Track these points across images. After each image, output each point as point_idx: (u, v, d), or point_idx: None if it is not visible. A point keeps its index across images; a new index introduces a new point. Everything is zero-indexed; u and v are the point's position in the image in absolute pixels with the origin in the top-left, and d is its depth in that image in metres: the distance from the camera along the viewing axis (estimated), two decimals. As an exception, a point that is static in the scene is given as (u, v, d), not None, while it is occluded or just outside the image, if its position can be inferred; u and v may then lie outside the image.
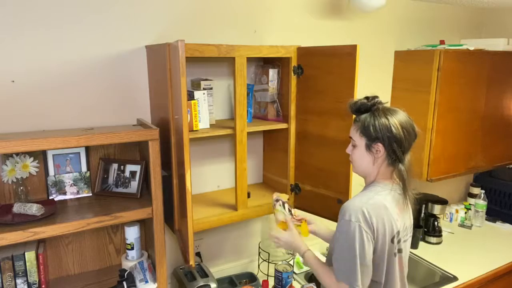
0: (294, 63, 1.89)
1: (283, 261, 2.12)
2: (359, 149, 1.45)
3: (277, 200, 1.71)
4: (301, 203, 2.00)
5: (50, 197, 1.64)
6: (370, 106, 1.41)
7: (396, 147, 1.38)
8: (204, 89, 1.80)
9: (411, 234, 1.53)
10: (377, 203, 1.38)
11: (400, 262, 1.46)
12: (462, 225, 2.94)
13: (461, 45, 2.48)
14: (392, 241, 1.40)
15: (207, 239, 2.16)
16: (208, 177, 2.10)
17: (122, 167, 1.72)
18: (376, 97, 1.43)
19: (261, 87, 2.00)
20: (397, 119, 1.38)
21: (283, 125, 1.94)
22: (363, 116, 1.43)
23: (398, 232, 1.42)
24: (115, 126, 1.78)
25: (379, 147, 1.40)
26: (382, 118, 1.38)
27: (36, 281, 1.54)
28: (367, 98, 1.43)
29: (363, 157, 1.45)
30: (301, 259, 1.69)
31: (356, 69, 1.64)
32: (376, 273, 1.40)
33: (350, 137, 1.49)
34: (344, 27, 2.37)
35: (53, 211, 1.48)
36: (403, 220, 1.45)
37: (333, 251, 1.42)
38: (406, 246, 1.49)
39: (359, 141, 1.44)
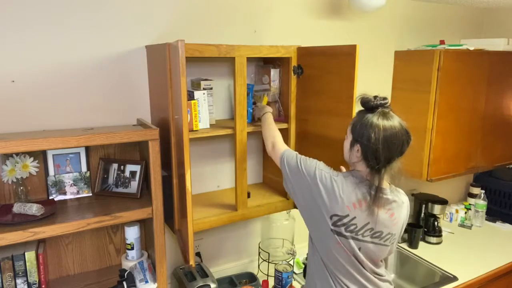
0: (294, 63, 1.89)
1: (283, 261, 2.12)
2: (347, 141, 1.49)
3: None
4: (301, 203, 2.00)
5: (50, 197, 1.64)
6: (371, 107, 1.41)
7: (370, 156, 1.38)
8: (204, 89, 1.80)
9: (392, 241, 1.47)
10: (346, 181, 1.41)
11: (340, 246, 1.41)
12: (462, 225, 2.94)
13: (461, 45, 2.48)
14: (331, 217, 1.40)
15: (207, 239, 2.16)
16: (208, 177, 2.10)
17: (122, 167, 1.72)
18: (384, 99, 1.42)
19: (262, 87, 2.00)
20: (383, 129, 1.35)
21: (283, 125, 1.94)
22: (362, 114, 1.44)
23: (343, 218, 1.38)
24: (115, 126, 1.78)
25: (358, 148, 1.41)
26: (370, 121, 1.37)
27: (36, 281, 1.54)
28: (375, 96, 1.43)
29: (346, 149, 1.49)
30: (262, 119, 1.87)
31: (356, 69, 1.64)
32: (312, 231, 1.51)
33: None
34: (344, 27, 2.37)
35: (53, 211, 1.48)
36: (364, 216, 1.39)
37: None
38: (365, 245, 1.42)
39: (348, 134, 1.49)
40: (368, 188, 1.40)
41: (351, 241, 1.41)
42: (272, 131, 1.74)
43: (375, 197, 1.39)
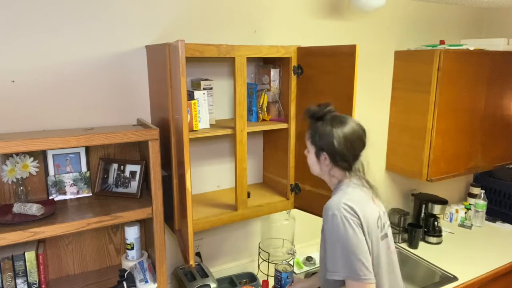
0: (294, 63, 1.89)
1: (283, 261, 2.12)
2: (311, 155, 1.52)
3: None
4: (301, 203, 2.00)
5: (50, 197, 1.64)
6: (321, 115, 1.47)
7: (338, 159, 1.43)
8: (204, 89, 1.80)
9: (388, 221, 1.57)
10: (353, 194, 1.43)
11: (388, 247, 1.49)
12: (462, 225, 2.94)
13: (461, 45, 2.48)
14: (377, 225, 1.43)
15: (207, 239, 2.16)
16: (208, 177, 2.10)
17: (122, 167, 1.72)
18: (328, 105, 1.48)
19: (262, 87, 2.01)
20: (341, 131, 1.42)
21: (283, 125, 1.94)
22: (315, 124, 1.48)
23: (379, 217, 1.46)
24: (115, 126, 1.78)
25: (325, 156, 1.46)
26: (327, 128, 1.43)
27: (36, 281, 1.54)
28: (319, 105, 1.48)
29: (315, 163, 1.52)
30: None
31: (355, 69, 1.65)
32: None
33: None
34: (344, 27, 2.37)
35: (53, 211, 1.48)
36: (378, 207, 1.49)
37: (325, 253, 1.40)
38: (389, 231, 1.53)
39: (310, 147, 1.51)
40: (366, 184, 1.50)
41: (389, 238, 1.50)
42: None
43: (371, 185, 1.50)
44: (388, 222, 1.55)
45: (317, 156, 1.49)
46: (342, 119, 1.45)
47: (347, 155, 1.43)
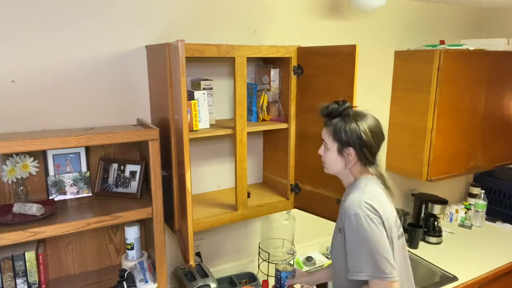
0: (294, 63, 1.89)
1: (283, 261, 2.12)
2: (331, 152, 1.49)
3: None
4: (301, 203, 2.00)
5: (50, 197, 1.64)
6: (341, 111, 1.46)
7: (366, 152, 1.43)
8: (204, 89, 1.80)
9: None
10: (374, 192, 1.42)
11: (403, 246, 1.51)
12: (462, 225, 2.94)
13: (461, 45, 2.48)
14: (396, 224, 1.44)
15: (207, 239, 2.16)
16: (208, 177, 2.10)
17: (122, 167, 1.72)
18: (346, 101, 1.48)
19: (262, 87, 2.00)
20: (366, 124, 1.43)
21: (283, 125, 1.94)
22: (335, 120, 1.47)
23: (397, 216, 1.48)
24: (115, 126, 1.78)
25: (351, 151, 1.44)
26: (352, 123, 1.43)
27: (36, 281, 1.54)
28: (337, 103, 1.47)
29: (335, 160, 1.50)
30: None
31: (355, 69, 1.65)
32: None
33: (323, 139, 1.53)
34: (344, 27, 2.37)
35: (53, 211, 1.48)
36: (393, 207, 1.51)
37: (347, 253, 1.39)
38: (401, 230, 1.54)
39: (331, 144, 1.49)
40: (382, 183, 1.49)
41: (403, 237, 1.51)
42: None
43: (386, 185, 1.49)
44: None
45: (340, 152, 1.47)
46: (364, 114, 1.47)
47: (374, 147, 1.44)
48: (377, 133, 1.45)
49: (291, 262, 2.16)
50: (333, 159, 1.50)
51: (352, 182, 1.51)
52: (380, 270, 1.32)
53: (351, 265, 1.36)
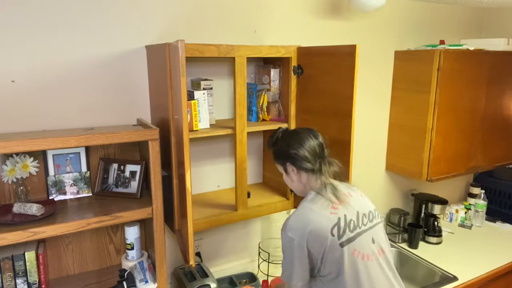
0: (294, 63, 1.89)
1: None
2: (285, 176, 1.63)
3: None
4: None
5: (50, 197, 1.64)
6: (274, 140, 1.64)
7: (303, 162, 1.52)
8: (204, 89, 1.80)
9: (379, 219, 1.58)
10: (303, 214, 1.47)
11: (352, 252, 1.45)
12: (462, 225, 2.94)
13: (461, 45, 2.48)
14: (332, 234, 1.43)
15: (207, 239, 2.16)
16: (208, 177, 2.10)
17: (122, 167, 1.72)
18: (279, 128, 1.67)
19: (262, 87, 2.01)
20: (291, 137, 1.56)
21: (283, 125, 1.94)
22: (271, 149, 1.65)
23: (339, 224, 1.45)
24: (115, 126, 1.78)
25: (290, 166, 1.56)
26: (280, 143, 1.60)
27: (36, 281, 1.54)
28: (271, 136, 1.65)
29: (289, 180, 1.62)
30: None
31: (355, 69, 1.65)
32: (326, 265, 1.46)
33: None
34: (344, 27, 2.37)
35: (53, 211, 1.48)
36: (350, 210, 1.49)
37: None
38: (372, 233, 1.51)
39: (280, 168, 1.63)
40: (329, 191, 1.52)
41: (363, 236, 1.47)
42: None
43: (337, 191, 1.52)
44: (374, 223, 1.54)
45: (286, 170, 1.59)
46: (288, 130, 1.64)
47: (303, 153, 1.52)
48: (304, 140, 1.53)
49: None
50: (288, 180, 1.63)
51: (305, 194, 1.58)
52: (290, 277, 1.49)
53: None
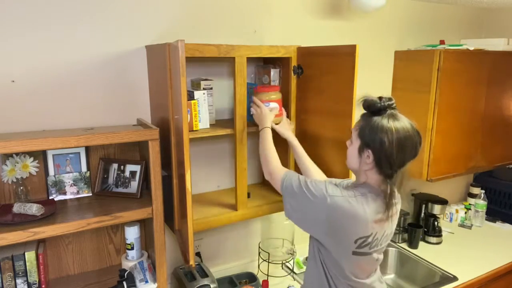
0: (294, 63, 1.89)
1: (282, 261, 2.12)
2: (353, 148, 1.40)
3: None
4: (301, 203, 2.00)
5: (50, 197, 1.64)
6: (378, 109, 1.33)
7: (384, 161, 1.31)
8: (204, 89, 1.80)
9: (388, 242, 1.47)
10: (354, 206, 1.32)
11: (356, 263, 1.39)
12: (462, 225, 2.94)
13: (461, 45, 2.48)
14: (355, 242, 1.33)
15: (207, 239, 2.16)
16: (208, 177, 2.10)
17: (122, 167, 1.72)
18: (390, 99, 1.35)
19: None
20: (396, 133, 1.29)
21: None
22: (368, 117, 1.36)
23: (367, 239, 1.34)
24: (115, 126, 1.78)
25: (370, 154, 1.33)
26: (381, 127, 1.30)
27: (36, 281, 1.54)
28: (380, 98, 1.34)
29: (354, 156, 1.40)
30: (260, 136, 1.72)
31: (355, 69, 1.64)
32: (330, 247, 1.38)
33: (351, 131, 1.44)
34: (344, 27, 2.37)
35: (53, 211, 1.48)
36: (382, 229, 1.37)
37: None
38: (380, 250, 1.44)
39: (355, 140, 1.39)
40: (384, 198, 1.35)
41: (374, 255, 1.40)
42: (268, 156, 1.58)
43: (389, 204, 1.34)
44: (385, 245, 1.44)
45: (360, 151, 1.36)
46: (399, 119, 1.32)
47: (394, 159, 1.29)
48: (404, 146, 1.29)
49: (291, 262, 2.16)
50: (352, 155, 1.40)
51: (360, 183, 1.40)
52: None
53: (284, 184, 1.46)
